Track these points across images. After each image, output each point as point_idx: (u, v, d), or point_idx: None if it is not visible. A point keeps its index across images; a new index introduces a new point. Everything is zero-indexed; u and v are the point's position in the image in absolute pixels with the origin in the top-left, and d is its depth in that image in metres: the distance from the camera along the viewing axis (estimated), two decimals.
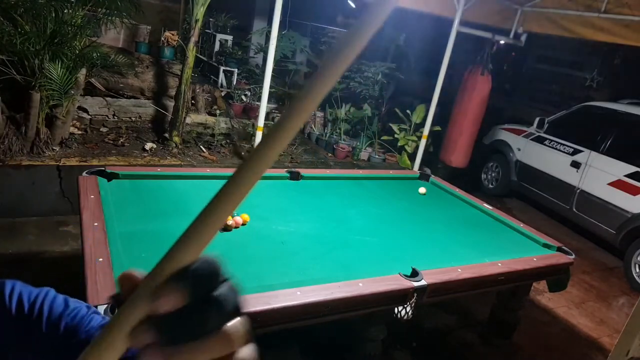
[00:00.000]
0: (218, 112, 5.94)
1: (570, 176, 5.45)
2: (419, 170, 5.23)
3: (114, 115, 5.29)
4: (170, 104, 5.47)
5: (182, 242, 0.29)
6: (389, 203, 3.28)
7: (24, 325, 0.57)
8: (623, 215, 4.80)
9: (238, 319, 0.31)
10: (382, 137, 6.74)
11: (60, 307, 0.59)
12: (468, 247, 2.75)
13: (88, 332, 0.58)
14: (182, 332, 0.29)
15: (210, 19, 7.27)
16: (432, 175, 3.94)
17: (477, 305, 3.49)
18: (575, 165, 5.40)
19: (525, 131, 6.26)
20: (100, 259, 1.75)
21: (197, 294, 0.29)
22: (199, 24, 4.91)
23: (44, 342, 0.57)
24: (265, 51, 6.20)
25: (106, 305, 1.47)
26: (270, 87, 4.80)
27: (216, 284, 0.30)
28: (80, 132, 4.85)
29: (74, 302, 0.61)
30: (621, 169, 4.92)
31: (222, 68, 6.79)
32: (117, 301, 0.31)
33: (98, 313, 0.61)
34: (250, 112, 6.50)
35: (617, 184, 4.92)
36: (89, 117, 5.09)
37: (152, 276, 0.29)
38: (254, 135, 4.98)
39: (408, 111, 6.75)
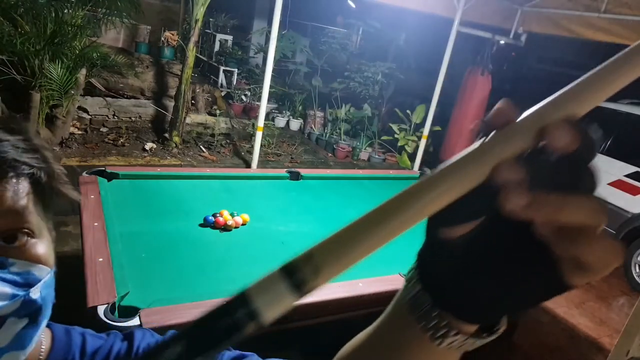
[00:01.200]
0: (218, 112, 5.94)
1: None
2: (419, 170, 5.24)
3: (114, 115, 5.30)
4: (170, 104, 5.48)
5: (577, 92, 0.27)
6: None
7: None
8: (623, 215, 4.80)
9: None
10: (382, 137, 6.74)
11: None
12: None
13: None
14: (554, 180, 0.26)
15: (210, 19, 7.27)
16: None
17: None
18: None
19: None
20: (101, 259, 1.74)
21: (584, 148, 0.26)
22: (199, 24, 4.92)
23: None
24: (265, 51, 6.20)
25: (106, 305, 1.47)
26: (270, 87, 4.80)
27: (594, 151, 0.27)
28: (80, 132, 4.85)
29: None
30: (621, 169, 4.92)
31: (222, 68, 6.80)
32: (485, 128, 0.29)
33: (229, 349, 0.60)
34: (250, 112, 6.50)
35: (617, 184, 4.92)
36: (89, 117, 5.09)
37: (536, 117, 0.27)
38: (254, 135, 4.97)
39: (408, 111, 6.75)
